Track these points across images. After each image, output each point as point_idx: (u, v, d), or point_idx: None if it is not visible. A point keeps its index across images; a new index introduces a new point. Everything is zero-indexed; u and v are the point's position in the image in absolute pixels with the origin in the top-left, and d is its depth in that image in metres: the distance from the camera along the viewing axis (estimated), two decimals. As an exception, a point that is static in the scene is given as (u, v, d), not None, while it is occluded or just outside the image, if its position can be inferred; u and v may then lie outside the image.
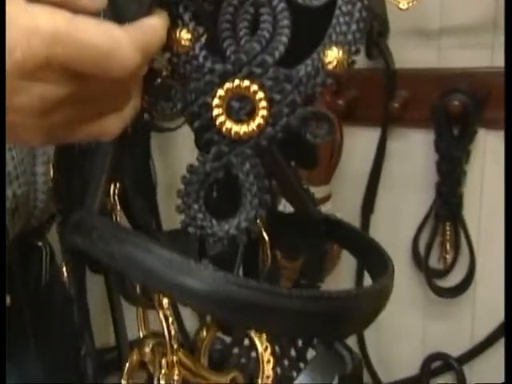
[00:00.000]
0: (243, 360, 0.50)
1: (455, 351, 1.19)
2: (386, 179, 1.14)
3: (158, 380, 0.42)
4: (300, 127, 0.38)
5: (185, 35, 0.38)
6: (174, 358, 0.43)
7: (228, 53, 0.38)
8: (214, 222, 0.40)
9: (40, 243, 0.58)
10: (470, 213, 1.08)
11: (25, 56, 0.31)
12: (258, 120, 0.38)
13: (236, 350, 0.50)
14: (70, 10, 0.34)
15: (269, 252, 0.48)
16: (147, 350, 0.43)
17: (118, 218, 0.47)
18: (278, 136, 0.38)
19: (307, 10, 0.38)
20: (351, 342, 1.23)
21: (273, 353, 0.44)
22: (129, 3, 0.35)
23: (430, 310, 1.20)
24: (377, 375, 1.24)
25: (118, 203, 0.45)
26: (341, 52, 0.39)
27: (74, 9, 0.34)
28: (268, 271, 0.49)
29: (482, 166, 1.08)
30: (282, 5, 0.38)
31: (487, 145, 1.08)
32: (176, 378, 0.43)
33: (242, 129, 0.38)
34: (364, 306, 0.42)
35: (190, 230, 0.40)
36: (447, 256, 1.08)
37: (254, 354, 0.47)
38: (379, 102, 1.09)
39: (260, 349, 0.45)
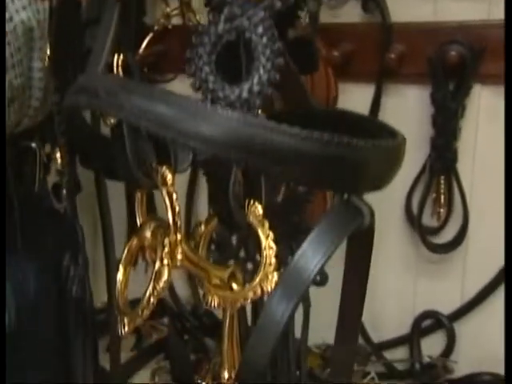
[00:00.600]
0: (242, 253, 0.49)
1: (446, 309, 1.19)
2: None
3: (161, 259, 0.41)
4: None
5: None
6: (178, 236, 0.42)
7: None
8: (226, 85, 0.39)
9: (34, 145, 0.56)
10: (463, 169, 1.08)
11: None
12: (273, -21, 0.37)
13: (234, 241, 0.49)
14: None
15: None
16: (148, 233, 0.42)
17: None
18: (291, -1, 0.37)
19: None
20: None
21: (275, 241, 0.44)
22: None
23: (421, 269, 1.20)
24: (368, 335, 1.24)
25: (121, 73, 0.44)
26: None
27: None
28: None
29: (476, 122, 1.08)
30: None
31: (482, 101, 1.08)
32: (179, 257, 0.42)
33: (255, -13, 0.37)
34: (380, 160, 0.41)
35: (201, 93, 0.39)
36: (441, 211, 1.08)
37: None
38: (375, 57, 1.09)
39: (262, 236, 0.44)
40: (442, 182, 1.05)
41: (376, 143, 0.41)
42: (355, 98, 1.15)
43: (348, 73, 1.12)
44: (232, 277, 0.45)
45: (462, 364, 1.17)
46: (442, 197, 1.06)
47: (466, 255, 1.14)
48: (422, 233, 1.11)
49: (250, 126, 0.35)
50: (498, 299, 1.12)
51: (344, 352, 0.52)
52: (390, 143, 0.43)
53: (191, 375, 1.20)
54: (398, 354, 1.24)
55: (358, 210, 0.40)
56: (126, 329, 0.42)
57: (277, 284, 0.39)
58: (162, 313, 1.36)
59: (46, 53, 0.55)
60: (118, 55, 0.43)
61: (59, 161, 0.47)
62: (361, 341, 1.24)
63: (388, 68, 1.05)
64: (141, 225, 0.43)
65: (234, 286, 0.45)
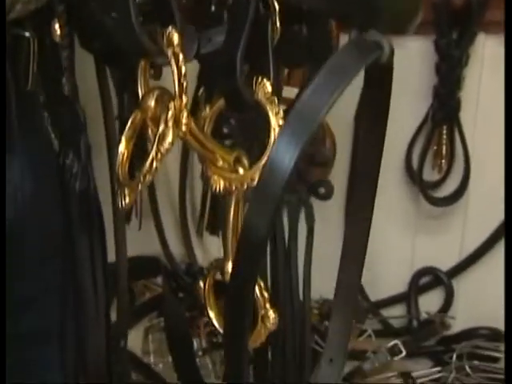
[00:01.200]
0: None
1: (445, 266, 1.18)
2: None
3: (166, 122, 0.39)
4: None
5: None
6: (184, 100, 0.39)
7: None
8: None
9: (27, 34, 0.53)
10: (466, 119, 1.06)
11: None
12: None
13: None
14: None
15: (278, 23, 0.45)
16: (151, 102, 0.40)
17: None
18: None
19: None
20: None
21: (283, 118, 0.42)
22: None
23: (421, 225, 1.19)
24: (365, 293, 1.22)
25: None
26: None
27: None
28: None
29: (480, 71, 1.07)
30: None
31: (486, 50, 1.06)
32: (184, 121, 0.40)
33: None
34: None
35: None
36: (442, 162, 1.06)
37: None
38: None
39: (271, 114, 0.42)
40: (444, 132, 1.03)
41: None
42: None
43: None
44: (237, 161, 0.43)
45: (460, 320, 1.16)
46: (444, 148, 1.04)
47: (467, 209, 1.13)
48: (423, 186, 1.10)
49: None
50: (498, 254, 1.11)
51: (350, 271, 0.50)
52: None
53: (186, 332, 1.18)
54: (396, 312, 1.22)
55: (377, 44, 0.38)
56: (127, 200, 0.40)
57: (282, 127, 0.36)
58: (155, 272, 1.34)
59: None
60: None
61: (58, 32, 0.45)
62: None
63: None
64: (143, 96, 0.41)
65: (240, 170, 0.43)
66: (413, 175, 1.12)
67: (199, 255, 1.33)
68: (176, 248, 1.34)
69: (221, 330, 0.44)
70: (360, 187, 0.46)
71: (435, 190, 1.12)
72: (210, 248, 1.33)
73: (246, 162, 0.43)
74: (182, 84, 0.39)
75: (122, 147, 0.41)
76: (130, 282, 1.35)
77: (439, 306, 1.18)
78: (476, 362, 1.07)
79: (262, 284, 0.42)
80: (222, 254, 1.34)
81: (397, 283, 1.21)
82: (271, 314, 0.41)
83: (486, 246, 1.12)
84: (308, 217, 0.61)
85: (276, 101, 0.42)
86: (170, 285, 1.28)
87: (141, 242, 1.36)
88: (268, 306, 0.42)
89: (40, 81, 0.47)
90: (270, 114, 0.41)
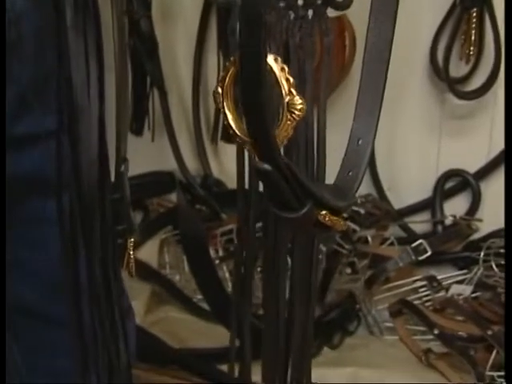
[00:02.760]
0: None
1: (471, 168, 1.13)
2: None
3: None
4: None
5: None
6: None
7: None
8: None
9: None
10: (498, 1, 1.00)
11: None
12: None
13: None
14: None
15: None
16: None
17: None
18: None
19: None
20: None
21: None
22: None
23: (446, 126, 1.13)
24: (388, 200, 1.18)
25: None
26: None
27: None
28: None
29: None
30: None
31: None
32: None
33: None
34: None
35: None
36: (471, 50, 1.00)
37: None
38: None
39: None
40: (474, 15, 0.97)
41: None
42: None
43: None
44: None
45: (488, 223, 1.11)
46: (473, 34, 0.98)
47: (495, 106, 1.07)
48: (449, 79, 1.04)
49: None
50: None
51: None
52: None
53: (203, 242, 1.15)
54: (420, 219, 1.18)
55: None
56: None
57: None
58: (171, 187, 1.30)
59: None
60: None
61: None
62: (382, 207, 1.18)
63: None
64: None
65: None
66: (438, 69, 1.06)
67: (214, 167, 1.29)
68: (191, 162, 1.29)
69: (238, 133, 0.39)
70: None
71: (463, 84, 1.06)
72: (225, 159, 1.28)
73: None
74: None
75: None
76: (144, 198, 1.33)
77: (465, 210, 1.14)
78: (503, 262, 1.03)
79: (285, 68, 0.38)
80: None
81: (421, 188, 1.17)
82: (297, 99, 0.37)
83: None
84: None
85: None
86: (185, 197, 1.24)
87: (155, 157, 1.32)
88: (294, 91, 0.37)
89: None
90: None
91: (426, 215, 1.18)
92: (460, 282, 1.04)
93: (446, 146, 1.13)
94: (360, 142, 0.42)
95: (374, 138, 0.42)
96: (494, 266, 1.01)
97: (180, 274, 1.19)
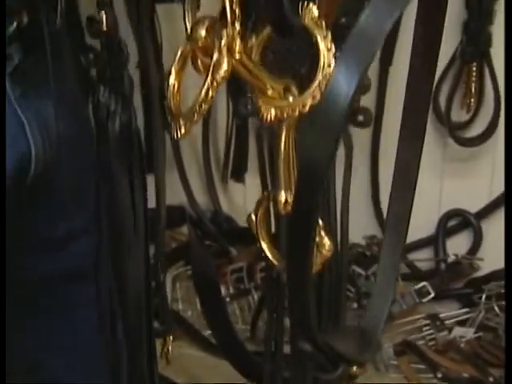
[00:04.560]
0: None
1: (473, 208, 1.17)
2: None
3: (220, 50, 0.38)
4: None
5: None
6: (237, 27, 0.38)
7: None
8: None
9: None
10: (496, 54, 1.03)
11: None
12: None
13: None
14: None
15: None
16: (202, 32, 0.39)
17: None
18: None
19: None
20: (365, 199, 1.20)
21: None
22: None
23: (448, 167, 1.17)
24: (391, 237, 1.22)
25: None
26: None
27: None
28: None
29: None
30: None
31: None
32: (238, 49, 0.38)
33: None
34: None
35: None
36: (471, 101, 1.04)
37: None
38: None
39: (319, 38, 0.40)
40: (474, 69, 1.01)
41: None
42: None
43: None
44: (287, 90, 0.42)
45: (489, 262, 1.15)
46: (473, 85, 1.02)
47: (496, 149, 1.11)
48: (451, 126, 1.08)
49: None
50: (528, 194, 1.09)
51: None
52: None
53: (213, 278, 1.19)
54: (423, 256, 1.22)
55: None
56: (183, 130, 0.39)
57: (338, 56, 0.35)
58: (181, 221, 1.34)
59: None
60: None
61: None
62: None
63: None
64: (193, 26, 0.39)
65: (290, 98, 0.41)
66: (440, 115, 1.10)
67: (224, 204, 1.33)
68: (200, 197, 1.33)
69: (275, 262, 0.44)
70: (413, 108, 0.45)
71: (463, 131, 1.10)
72: (235, 196, 1.32)
73: (295, 90, 0.42)
74: (235, 11, 0.38)
75: (172, 79, 0.40)
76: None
77: (467, 249, 1.18)
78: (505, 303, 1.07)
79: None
80: (245, 202, 1.33)
81: (424, 226, 1.20)
82: (326, 241, 0.41)
83: (516, 187, 1.10)
84: (347, 147, 0.59)
85: (324, 24, 0.40)
86: (196, 233, 1.28)
87: (166, 191, 1.36)
88: (323, 233, 0.41)
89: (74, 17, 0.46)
90: (319, 37, 0.40)
91: (429, 251, 1.22)
92: (462, 322, 1.08)
93: (448, 187, 1.17)
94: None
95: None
96: (495, 308, 1.05)
97: (192, 310, 1.24)
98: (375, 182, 1.17)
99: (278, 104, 0.41)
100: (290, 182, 0.43)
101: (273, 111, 0.41)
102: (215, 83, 0.37)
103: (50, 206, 0.50)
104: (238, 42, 0.38)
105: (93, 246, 0.53)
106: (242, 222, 1.31)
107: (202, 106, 0.37)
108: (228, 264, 1.23)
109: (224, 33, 0.38)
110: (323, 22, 0.41)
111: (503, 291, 1.06)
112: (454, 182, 1.17)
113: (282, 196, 0.42)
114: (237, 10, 0.38)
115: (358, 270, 1.08)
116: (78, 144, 0.50)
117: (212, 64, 0.37)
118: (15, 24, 0.43)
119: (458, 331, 1.03)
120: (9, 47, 0.44)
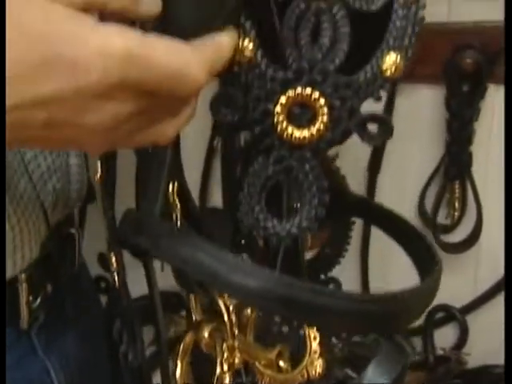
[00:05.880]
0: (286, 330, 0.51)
1: (459, 303, 1.22)
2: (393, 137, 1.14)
3: (221, 365, 0.43)
4: (358, 131, 0.38)
5: (247, 45, 0.38)
6: (236, 343, 0.43)
7: (290, 61, 0.38)
8: (276, 222, 0.40)
9: (73, 230, 0.58)
10: (476, 171, 1.08)
11: (100, 78, 0.30)
12: (318, 125, 0.38)
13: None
14: (131, 18, 0.33)
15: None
16: (205, 334, 0.44)
17: (178, 217, 0.47)
18: (336, 140, 0.38)
19: (365, 15, 0.38)
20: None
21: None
22: (192, 15, 0.34)
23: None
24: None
25: (177, 202, 0.46)
26: (398, 57, 0.39)
27: (135, 17, 0.33)
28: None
29: (490, 124, 1.08)
30: (342, 12, 0.38)
31: (496, 99, 1.07)
32: (237, 360, 0.44)
33: (302, 133, 0.38)
34: (415, 306, 0.42)
35: (254, 231, 0.40)
36: (455, 214, 1.09)
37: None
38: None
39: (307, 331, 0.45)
40: (457, 186, 1.06)
41: (415, 291, 0.42)
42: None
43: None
44: (279, 355, 0.47)
45: (475, 356, 1.20)
46: (456, 201, 1.07)
47: (479, 252, 1.16)
48: (436, 234, 1.12)
49: (286, 286, 0.36)
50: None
51: None
52: (426, 288, 0.44)
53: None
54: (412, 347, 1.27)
55: (403, 351, 0.41)
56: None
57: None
58: (178, 307, 1.38)
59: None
60: (173, 184, 0.44)
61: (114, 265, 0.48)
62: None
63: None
64: (198, 323, 0.45)
65: (281, 363, 0.46)
66: (426, 221, 1.15)
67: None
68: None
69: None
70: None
71: (447, 236, 1.15)
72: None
73: (287, 355, 0.47)
74: (234, 332, 0.43)
75: (178, 370, 0.45)
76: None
77: (454, 341, 1.23)
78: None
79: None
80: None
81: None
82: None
83: (499, 286, 1.16)
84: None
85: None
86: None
87: (162, 277, 1.40)
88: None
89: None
90: (307, 330, 0.45)
91: (417, 340, 1.27)
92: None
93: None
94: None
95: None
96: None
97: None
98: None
99: (270, 374, 0.46)
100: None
101: (268, 380, 0.46)
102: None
103: None
104: (237, 355, 0.43)
105: None
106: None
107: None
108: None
109: (225, 346, 0.43)
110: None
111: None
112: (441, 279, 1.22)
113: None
114: (234, 320, 0.43)
115: (350, 372, 1.13)
116: (95, 374, 0.55)
117: (215, 377, 0.42)
118: (39, 300, 0.49)
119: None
120: (35, 312, 0.49)
